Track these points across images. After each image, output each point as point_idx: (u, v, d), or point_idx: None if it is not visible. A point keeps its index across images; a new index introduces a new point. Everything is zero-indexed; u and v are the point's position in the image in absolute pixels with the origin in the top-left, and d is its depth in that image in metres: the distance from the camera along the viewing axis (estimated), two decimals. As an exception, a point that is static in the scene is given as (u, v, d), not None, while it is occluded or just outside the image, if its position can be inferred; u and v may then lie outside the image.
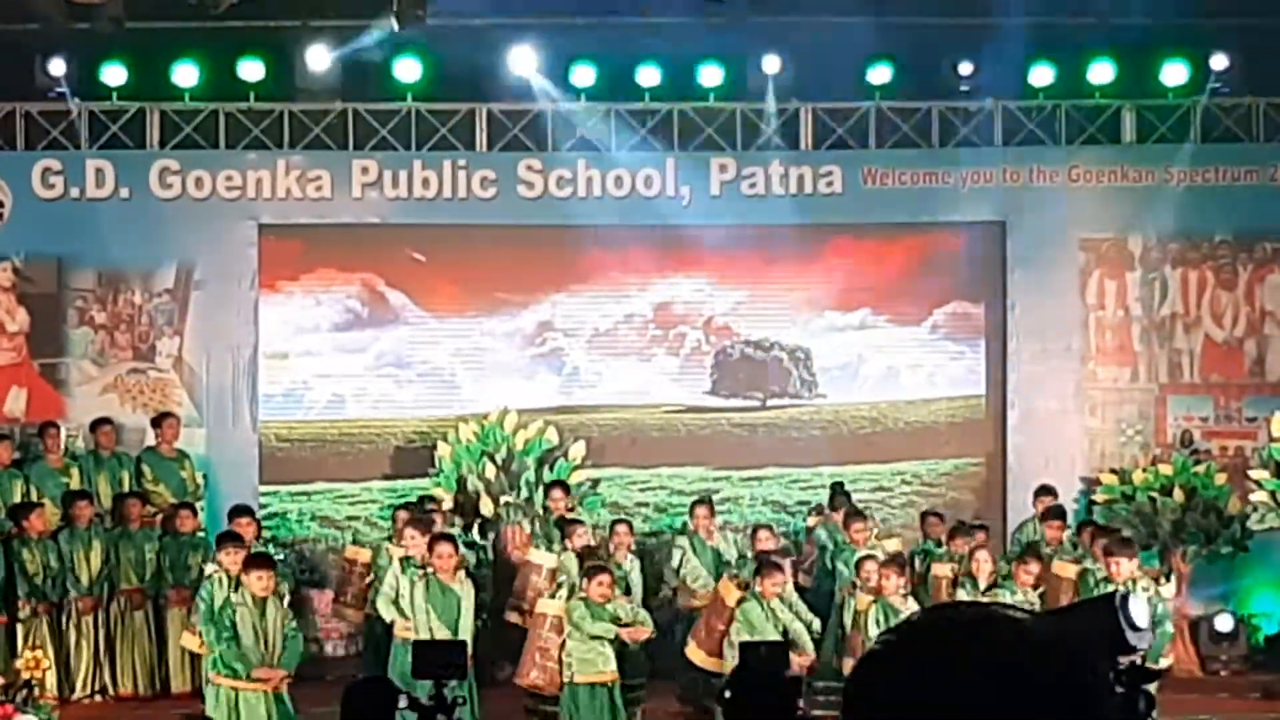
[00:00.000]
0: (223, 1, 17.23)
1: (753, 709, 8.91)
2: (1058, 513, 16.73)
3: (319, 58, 17.95)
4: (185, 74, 17.95)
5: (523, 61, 18.07)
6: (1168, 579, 15.01)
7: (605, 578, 14.08)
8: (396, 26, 17.09)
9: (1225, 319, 18.70)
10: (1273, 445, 17.89)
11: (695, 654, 14.73)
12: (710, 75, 18.26)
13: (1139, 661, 3.72)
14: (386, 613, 14.17)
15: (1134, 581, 14.18)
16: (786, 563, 15.06)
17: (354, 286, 18.55)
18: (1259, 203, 18.49)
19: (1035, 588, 14.72)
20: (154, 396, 18.10)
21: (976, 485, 18.68)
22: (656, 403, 18.69)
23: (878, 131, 18.53)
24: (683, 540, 16.45)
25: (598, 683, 13.90)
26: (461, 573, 14.09)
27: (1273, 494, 17.74)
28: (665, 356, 18.72)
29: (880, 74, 18.24)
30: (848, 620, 14.70)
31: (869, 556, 15.04)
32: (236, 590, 13.26)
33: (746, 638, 13.86)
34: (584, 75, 18.18)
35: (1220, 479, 17.93)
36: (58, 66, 17.76)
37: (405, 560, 14.37)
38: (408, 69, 18.03)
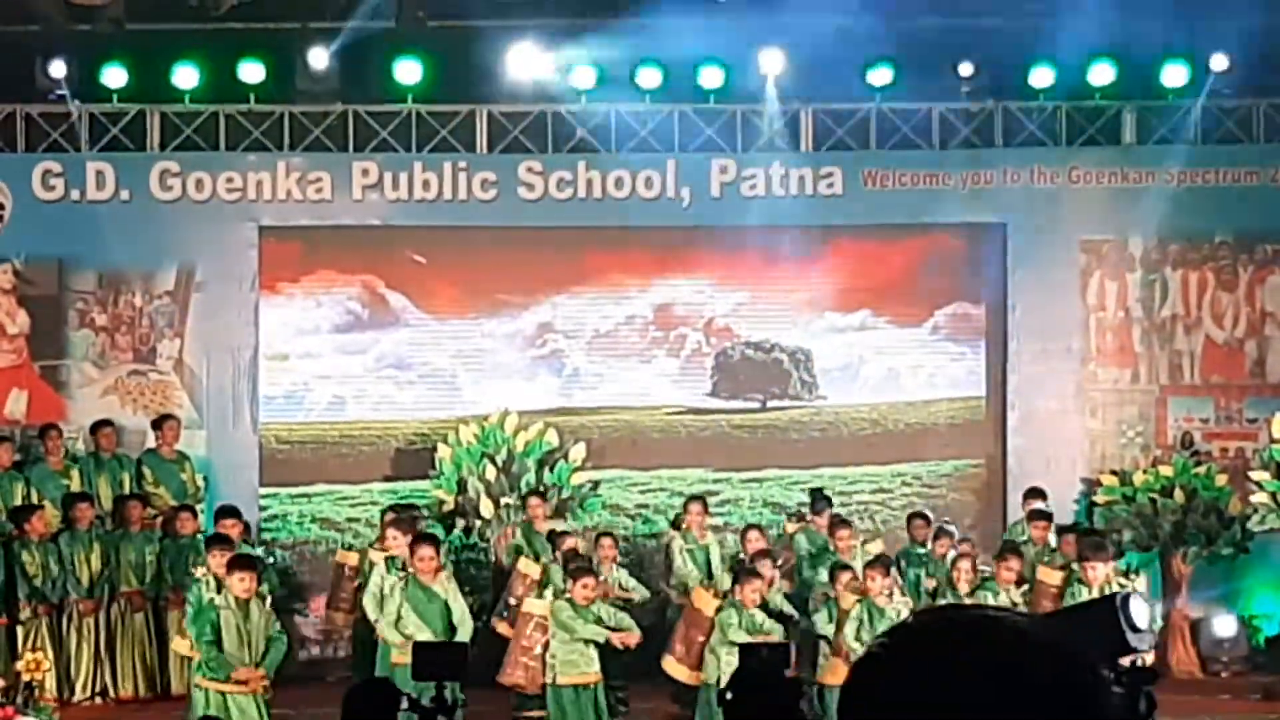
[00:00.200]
0: (223, 3, 17.25)
1: (754, 710, 8.90)
2: (1043, 514, 16.72)
3: (319, 59, 17.95)
4: (185, 76, 17.94)
5: (523, 63, 18.06)
6: (1137, 573, 14.97)
7: (590, 580, 14.12)
8: (397, 28, 17.10)
9: (1226, 320, 18.70)
10: (1273, 446, 17.89)
11: (676, 669, 14.66)
12: (711, 76, 18.27)
13: (1140, 662, 3.72)
14: (372, 612, 14.21)
15: (1109, 583, 14.22)
16: (767, 566, 14.96)
17: (354, 288, 18.56)
18: (1259, 204, 18.49)
19: (1018, 585, 14.73)
20: (154, 398, 18.10)
21: (977, 486, 18.68)
22: (657, 404, 18.69)
23: (878, 132, 18.54)
24: (675, 536, 16.44)
25: (582, 684, 13.91)
26: (443, 575, 14.10)
27: (1273, 495, 17.74)
28: (666, 358, 18.72)
29: (881, 75, 18.24)
30: (822, 625, 14.58)
31: (845, 566, 14.98)
32: (220, 593, 13.27)
33: (729, 647, 13.86)
34: (584, 76, 18.18)
35: (1221, 480, 17.93)
36: (58, 68, 17.75)
37: (389, 560, 14.43)
38: (408, 70, 18.03)
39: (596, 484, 18.07)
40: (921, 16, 17.88)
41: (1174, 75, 18.33)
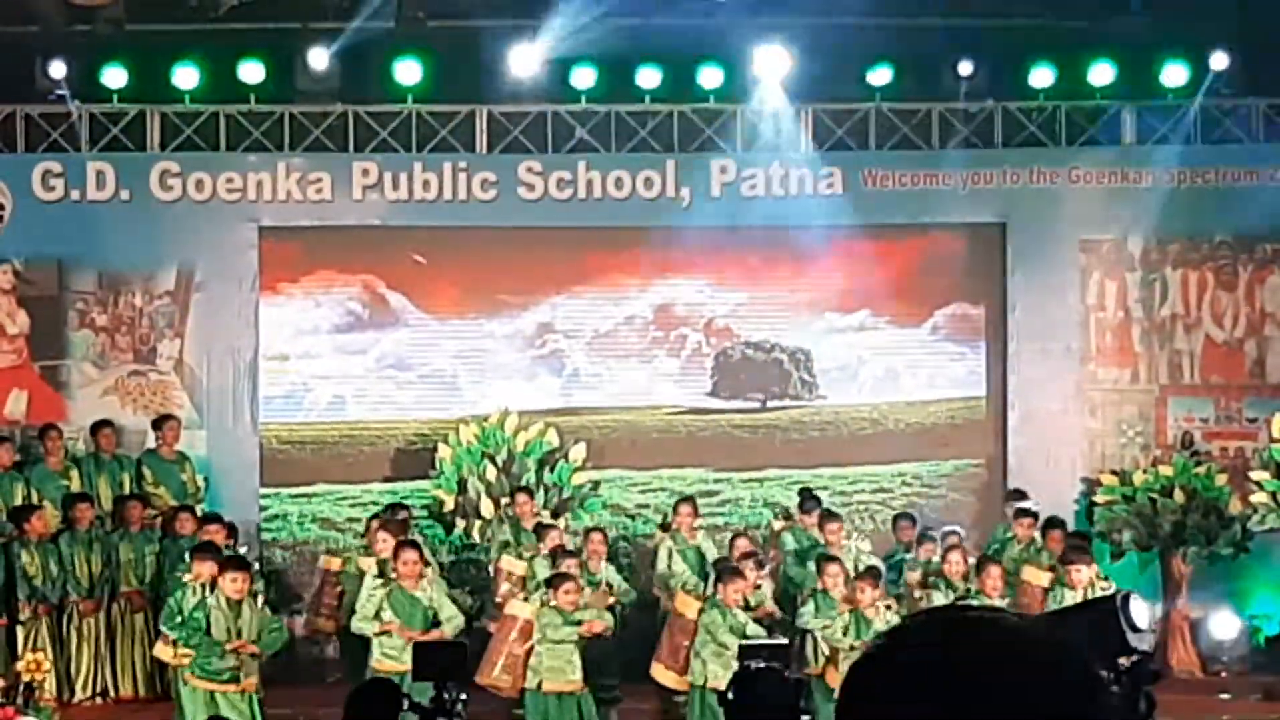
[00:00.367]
0: (223, 3, 17.24)
1: (754, 709, 8.91)
2: (1030, 512, 16.71)
3: (319, 60, 17.95)
4: (186, 76, 17.94)
5: (523, 63, 18.06)
6: (1106, 580, 14.97)
7: (572, 585, 14.13)
8: (397, 29, 17.11)
9: (1225, 320, 18.70)
10: (1273, 446, 17.90)
11: (664, 675, 14.67)
12: (710, 77, 18.27)
13: (1140, 662, 3.72)
14: (367, 629, 14.14)
15: (1093, 585, 14.25)
16: (750, 567, 14.96)
17: (354, 288, 18.56)
18: (1259, 204, 18.48)
19: (1003, 598, 14.71)
20: (155, 399, 18.10)
21: (977, 486, 18.68)
22: (657, 404, 18.69)
23: (878, 133, 18.54)
24: (665, 538, 16.45)
25: (566, 691, 13.91)
26: (427, 579, 14.11)
27: (1273, 495, 17.75)
28: (666, 358, 18.72)
29: (880, 75, 18.24)
30: (809, 620, 14.60)
31: (831, 558, 15.00)
32: (211, 592, 13.28)
33: (712, 649, 13.86)
34: (584, 77, 18.19)
35: (1221, 480, 17.93)
36: (58, 69, 17.75)
37: (381, 563, 14.49)
38: (408, 71, 18.03)
39: (597, 484, 18.07)
40: (921, 16, 17.88)
41: (1173, 75, 18.33)
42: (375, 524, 16.06)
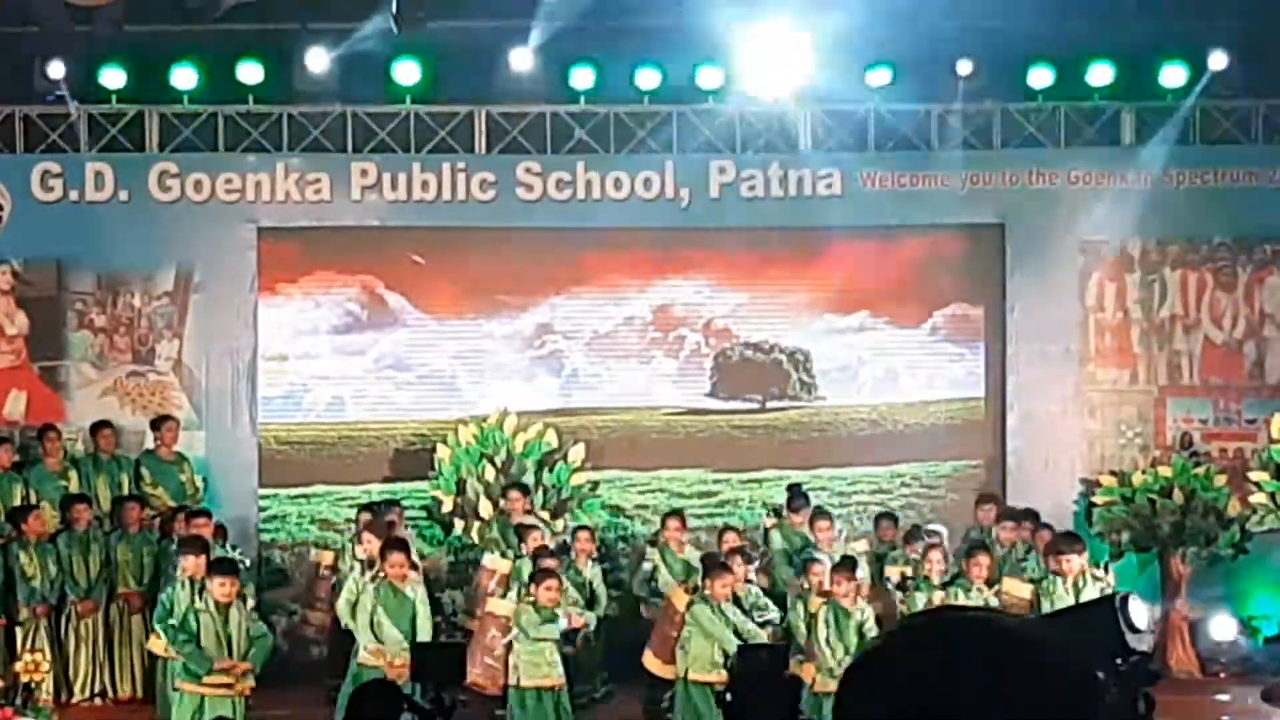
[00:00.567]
0: (222, 4, 17.23)
1: (753, 710, 8.91)
2: (1010, 514, 16.68)
3: (318, 60, 17.95)
4: (184, 77, 17.94)
5: (522, 64, 18.06)
6: (1106, 570, 14.98)
7: (553, 582, 14.14)
8: (395, 29, 17.09)
9: (1225, 321, 18.70)
10: (1272, 447, 17.91)
11: (652, 663, 14.81)
12: (709, 78, 18.26)
13: (1139, 662, 3.72)
14: (344, 616, 14.24)
15: (1083, 575, 14.27)
16: (738, 562, 14.97)
17: (353, 289, 18.55)
18: (1258, 205, 18.49)
19: (990, 585, 14.74)
20: (153, 399, 18.10)
21: (975, 487, 18.65)
22: (656, 405, 18.69)
23: (877, 133, 18.54)
24: (653, 552, 16.44)
25: (544, 687, 13.92)
26: (413, 578, 14.12)
27: (1272, 496, 17.76)
28: (665, 359, 18.72)
29: (879, 76, 18.24)
30: (797, 623, 14.66)
31: (814, 559, 15.06)
32: (201, 595, 13.25)
33: (699, 641, 13.91)
34: (583, 77, 18.18)
35: (1220, 481, 17.93)
36: (57, 69, 17.74)
37: (364, 562, 14.50)
38: (407, 71, 18.03)
39: (596, 484, 18.08)
40: (920, 17, 17.87)
41: (1173, 76, 18.32)
42: (363, 520, 16.04)
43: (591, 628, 14.77)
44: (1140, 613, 3.59)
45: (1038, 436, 18.48)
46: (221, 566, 13.57)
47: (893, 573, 15.85)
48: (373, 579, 14.02)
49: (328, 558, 16.46)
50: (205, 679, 13.17)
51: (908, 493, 18.66)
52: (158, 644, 14.70)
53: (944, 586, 14.67)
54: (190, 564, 13.60)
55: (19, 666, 14.39)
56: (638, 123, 18.41)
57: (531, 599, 14.07)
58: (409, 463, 18.28)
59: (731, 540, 15.88)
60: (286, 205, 18.26)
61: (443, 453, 17.80)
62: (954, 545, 16.40)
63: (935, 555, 14.97)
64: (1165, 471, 18.00)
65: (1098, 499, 18.10)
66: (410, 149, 18.30)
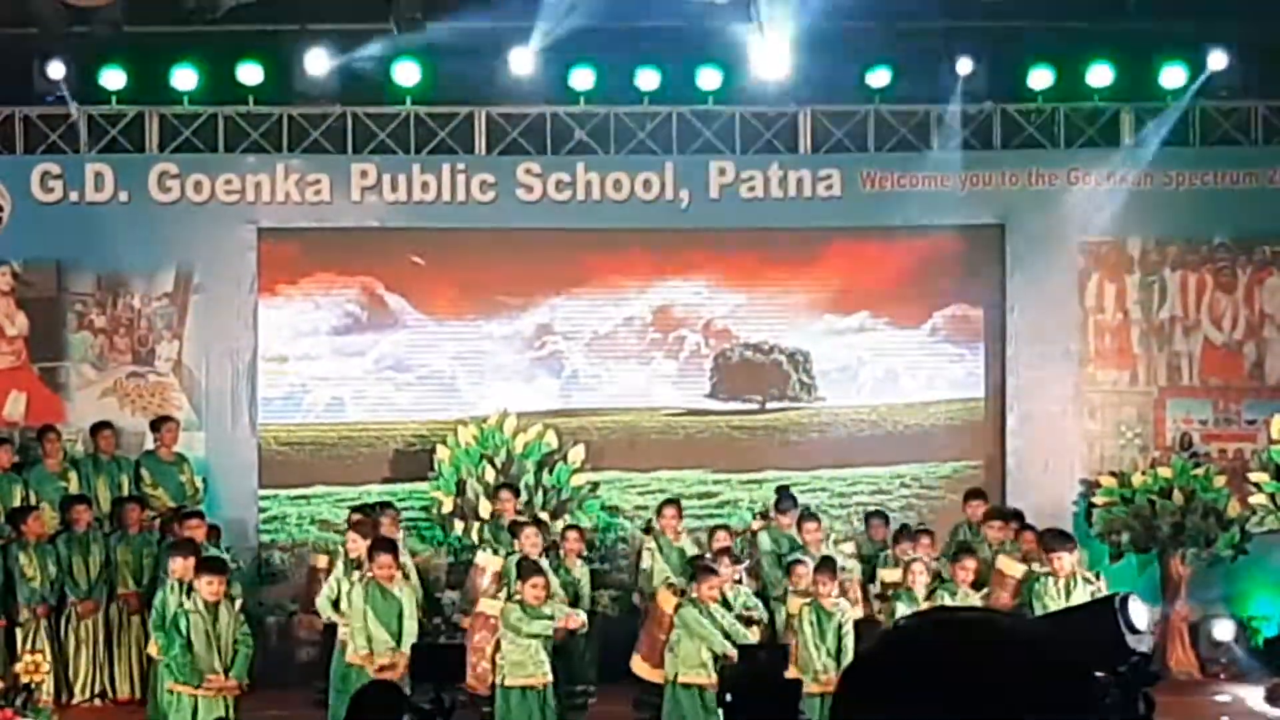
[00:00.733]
0: (221, 5, 17.23)
1: (753, 711, 8.92)
2: (998, 513, 16.68)
3: (318, 61, 17.95)
4: (184, 78, 17.95)
5: (521, 65, 18.05)
6: (1098, 576, 14.98)
7: (539, 579, 14.13)
8: (395, 31, 17.10)
9: (1224, 322, 18.70)
10: (1272, 448, 17.91)
11: (640, 667, 14.74)
12: (709, 78, 18.27)
13: (1139, 663, 3.72)
14: (324, 611, 14.26)
15: (1075, 575, 14.28)
16: (725, 563, 14.96)
17: (353, 290, 18.56)
18: (1258, 206, 18.49)
19: (977, 588, 14.74)
20: (153, 400, 18.10)
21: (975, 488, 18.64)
22: (656, 406, 18.69)
23: (876, 134, 18.54)
24: (650, 541, 16.44)
25: (529, 686, 13.91)
26: (400, 577, 14.11)
27: (1272, 496, 17.76)
28: (664, 359, 18.72)
29: (879, 77, 18.24)
30: (779, 624, 14.69)
31: (798, 560, 15.08)
32: (189, 596, 13.25)
33: (688, 644, 13.91)
34: (582, 78, 18.19)
35: (1219, 482, 17.94)
36: (57, 70, 17.75)
37: (349, 562, 14.48)
38: (406, 73, 18.03)
39: (595, 485, 18.08)
40: (920, 18, 17.88)
41: (1172, 76, 18.33)
42: (350, 520, 16.05)
43: (585, 627, 14.72)
44: (1140, 614, 3.59)
45: (1037, 437, 18.48)
46: (209, 565, 13.57)
47: (883, 574, 15.82)
48: (360, 579, 14.00)
49: (322, 561, 16.46)
50: (195, 683, 13.20)
51: (907, 493, 18.67)
52: (155, 648, 14.72)
53: (928, 597, 14.62)
54: (178, 566, 13.59)
55: (19, 667, 14.39)
56: (637, 123, 18.42)
57: (519, 597, 14.06)
58: (409, 464, 18.28)
59: (722, 539, 15.87)
60: (286, 206, 18.26)
61: (442, 454, 17.80)
62: (943, 541, 16.43)
63: (918, 567, 14.95)
64: (1165, 472, 18.00)
65: (1097, 500, 18.10)
66: (410, 150, 18.31)
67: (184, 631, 13.13)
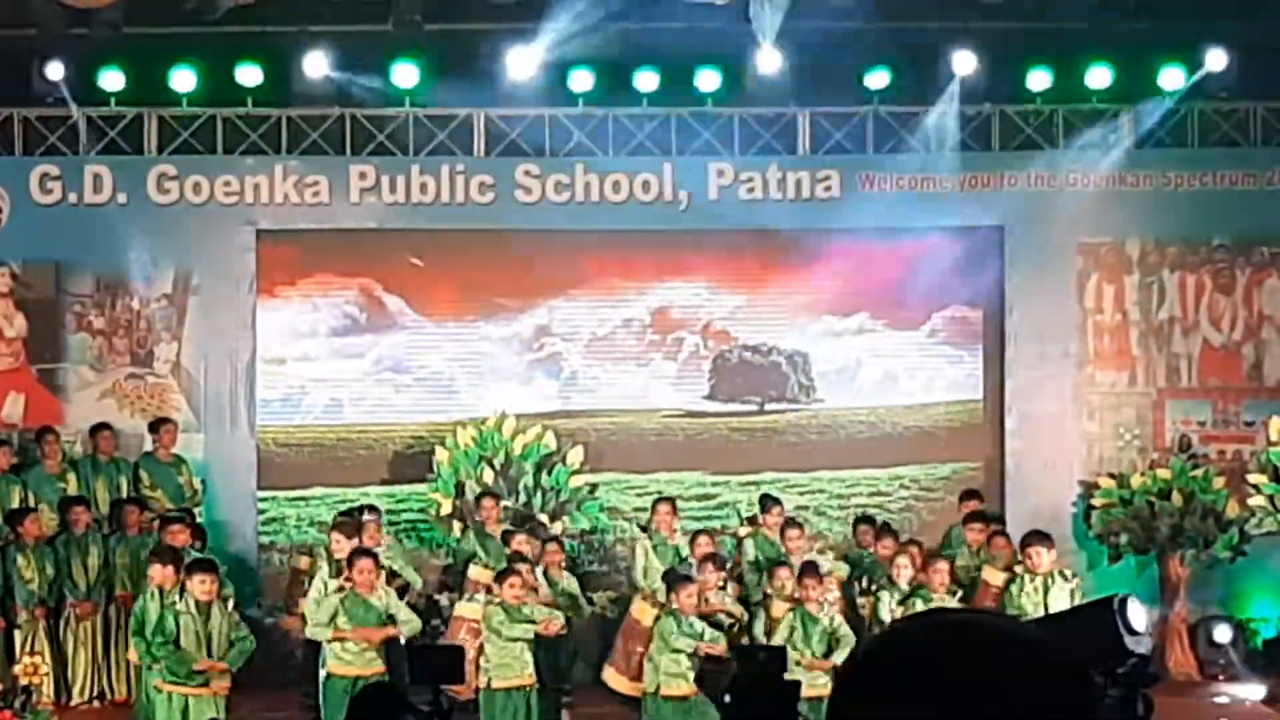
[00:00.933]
0: (220, 7, 17.23)
1: (752, 711, 8.92)
2: (979, 516, 16.67)
3: (317, 63, 17.95)
4: (183, 79, 17.95)
5: (520, 66, 18.05)
6: (1073, 575, 14.99)
7: (516, 580, 14.09)
8: (394, 32, 17.11)
9: (1223, 323, 18.70)
10: (1271, 449, 17.91)
11: (616, 680, 14.65)
12: (708, 80, 18.27)
13: (1138, 665, 3.72)
14: (310, 614, 14.17)
15: (1053, 573, 14.32)
16: (710, 569, 14.92)
17: (352, 291, 18.55)
18: (1257, 207, 18.49)
19: (954, 593, 14.74)
20: (152, 402, 18.10)
21: (974, 489, 18.65)
22: (654, 407, 18.69)
23: (875, 136, 18.54)
24: (644, 539, 16.42)
25: (514, 687, 13.90)
26: (381, 585, 14.01)
27: (1271, 498, 17.76)
28: (663, 361, 18.72)
29: (878, 78, 18.24)
30: (759, 630, 14.67)
31: (782, 563, 15.06)
32: (181, 597, 13.22)
33: (667, 656, 13.87)
34: (581, 80, 18.18)
35: (1218, 483, 17.93)
36: (56, 71, 17.75)
37: (333, 563, 14.45)
38: (405, 74, 18.03)
39: (594, 487, 18.07)
40: (919, 19, 17.88)
41: (1171, 78, 18.33)
42: (334, 521, 16.01)
43: (564, 630, 14.68)
44: (1139, 615, 3.59)
45: (1036, 439, 18.48)
46: (201, 565, 13.55)
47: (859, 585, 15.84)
48: (339, 589, 13.89)
49: (304, 562, 16.40)
50: (185, 680, 13.14)
51: (906, 495, 18.67)
52: (134, 654, 14.69)
53: (904, 600, 14.60)
54: (157, 573, 13.52)
55: (18, 669, 14.39)
56: (636, 125, 18.42)
57: (499, 600, 14.03)
58: (407, 465, 18.28)
59: (704, 544, 15.83)
60: (285, 208, 18.26)
61: (441, 455, 17.80)
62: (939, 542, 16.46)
63: (903, 561, 14.97)
64: (1164, 474, 18.00)
65: (1096, 501, 18.10)
66: (409, 151, 18.31)
67: (173, 630, 13.08)
